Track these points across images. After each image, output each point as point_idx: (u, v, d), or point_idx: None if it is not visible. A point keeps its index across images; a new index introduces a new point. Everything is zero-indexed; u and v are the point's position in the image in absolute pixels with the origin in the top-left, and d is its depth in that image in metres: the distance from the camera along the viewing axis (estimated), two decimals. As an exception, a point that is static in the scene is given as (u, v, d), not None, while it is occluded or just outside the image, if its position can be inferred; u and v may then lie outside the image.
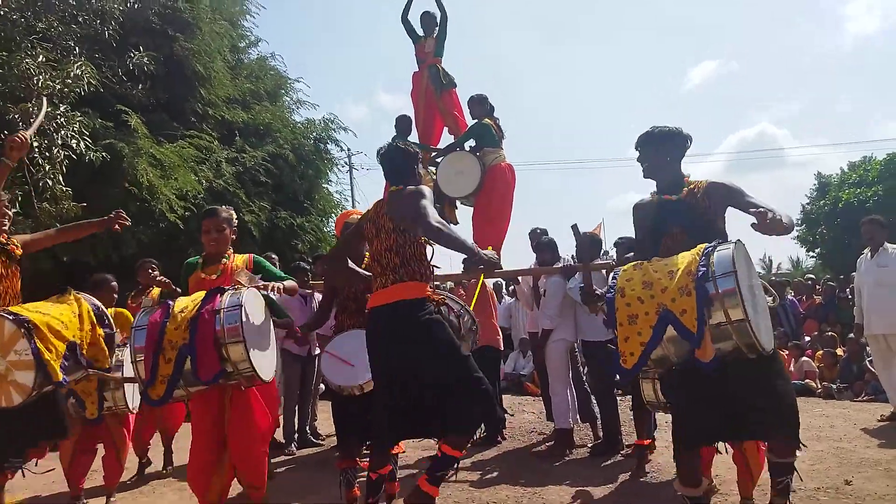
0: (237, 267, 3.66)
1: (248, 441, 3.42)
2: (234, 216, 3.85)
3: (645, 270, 2.74)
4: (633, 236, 5.57)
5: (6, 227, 3.64)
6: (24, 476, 3.76)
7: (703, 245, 2.67)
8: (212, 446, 3.43)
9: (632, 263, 2.86)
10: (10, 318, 3.19)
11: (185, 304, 3.28)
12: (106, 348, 3.69)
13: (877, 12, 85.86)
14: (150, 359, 3.13)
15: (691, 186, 3.05)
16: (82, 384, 4.16)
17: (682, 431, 2.88)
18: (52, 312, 3.39)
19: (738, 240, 2.71)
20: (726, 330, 2.51)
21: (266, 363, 3.36)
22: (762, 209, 2.61)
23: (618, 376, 2.94)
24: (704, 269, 2.54)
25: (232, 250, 3.79)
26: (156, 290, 5.71)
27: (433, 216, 3.03)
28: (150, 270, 5.66)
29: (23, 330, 3.16)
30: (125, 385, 4.31)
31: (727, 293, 2.49)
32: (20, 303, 3.54)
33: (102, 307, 3.81)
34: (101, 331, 3.69)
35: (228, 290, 3.32)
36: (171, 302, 3.32)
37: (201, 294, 3.34)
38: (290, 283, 3.70)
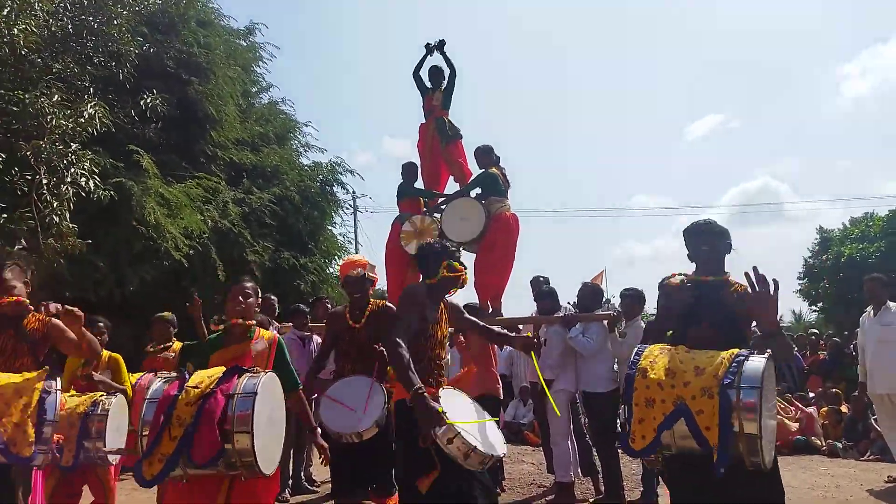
0: (260, 349, 3.61)
1: None
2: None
3: (671, 357, 2.73)
4: (639, 289, 5.70)
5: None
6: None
7: (737, 351, 2.67)
8: None
9: (658, 345, 2.85)
10: None
11: (200, 380, 3.12)
12: (31, 434, 3.14)
13: (870, 76, 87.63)
14: (153, 433, 2.95)
15: (732, 288, 3.03)
16: (64, 430, 4.11)
17: None
18: None
19: (770, 354, 2.71)
20: (735, 441, 2.51)
21: (270, 455, 3.19)
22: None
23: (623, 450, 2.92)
24: (733, 377, 2.54)
25: (256, 324, 3.76)
26: (177, 345, 5.72)
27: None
28: (166, 324, 5.68)
29: None
30: (107, 436, 4.22)
31: (747, 407, 2.49)
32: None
33: (59, 395, 3.37)
34: (31, 413, 3.17)
35: (247, 372, 3.19)
36: (187, 375, 3.19)
37: (219, 371, 3.21)
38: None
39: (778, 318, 2.73)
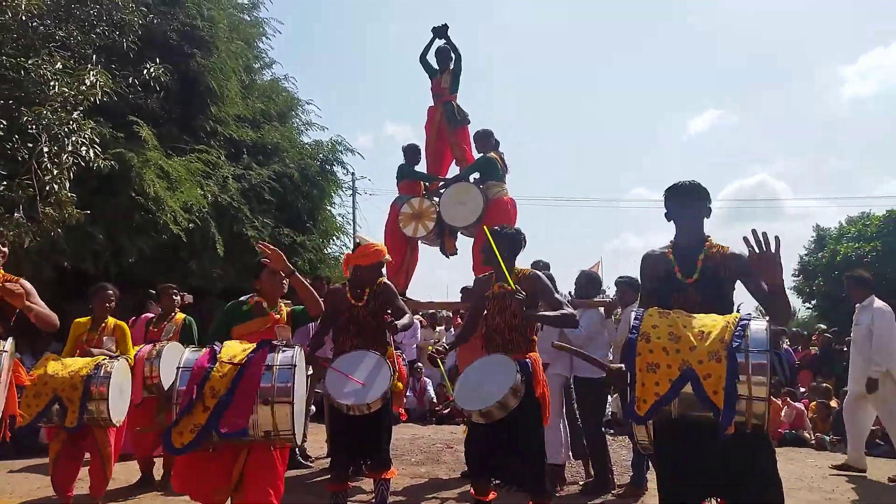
0: (283, 320, 3.74)
1: (264, 488, 3.22)
2: None
3: (673, 322, 2.68)
4: (633, 277, 5.71)
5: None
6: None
7: (738, 315, 2.67)
8: (220, 480, 3.22)
9: (656, 309, 2.80)
10: None
11: (233, 353, 3.17)
12: None
13: (871, 77, 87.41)
14: (185, 403, 2.99)
15: (713, 250, 3.00)
16: (67, 391, 4.18)
17: (666, 489, 2.85)
18: None
19: (768, 320, 2.71)
20: (742, 403, 2.50)
21: (300, 425, 3.28)
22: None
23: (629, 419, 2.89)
24: (740, 340, 2.53)
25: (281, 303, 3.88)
26: (180, 316, 5.78)
27: None
28: (173, 296, 5.77)
29: None
30: (109, 398, 4.30)
31: (757, 369, 2.48)
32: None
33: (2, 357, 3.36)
34: None
35: (280, 345, 3.24)
36: (217, 346, 3.23)
37: (249, 346, 3.24)
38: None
39: (782, 277, 2.69)
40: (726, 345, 2.53)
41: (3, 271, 3.64)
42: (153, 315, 6.08)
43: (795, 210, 62.26)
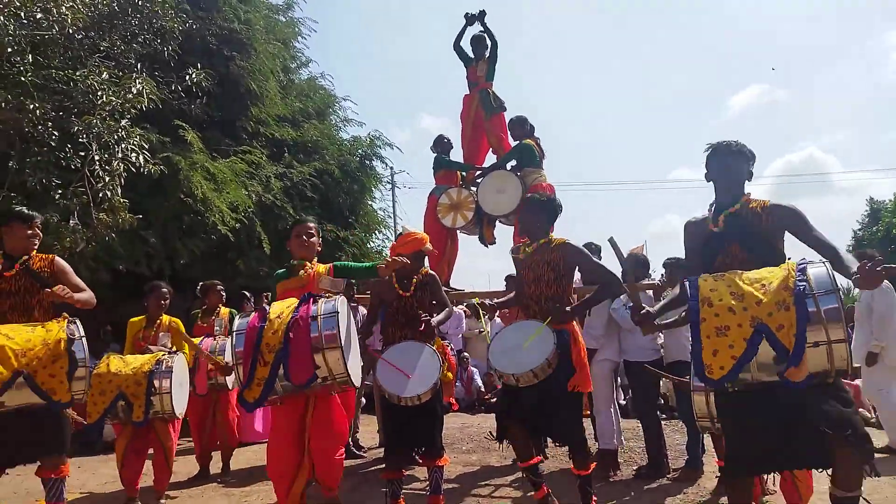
0: (319, 273, 3.92)
1: (329, 444, 3.63)
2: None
3: (731, 281, 2.62)
4: (680, 258, 5.62)
5: (35, 246, 3.79)
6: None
7: (794, 262, 2.59)
8: (294, 449, 3.61)
9: (708, 275, 2.74)
10: None
11: (280, 310, 3.39)
12: (67, 381, 3.38)
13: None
14: (248, 362, 3.23)
15: (753, 205, 2.94)
16: (132, 388, 4.35)
17: (735, 459, 2.79)
18: (16, 338, 3.33)
19: (826, 262, 2.60)
20: (822, 350, 2.42)
21: (356, 369, 3.50)
22: (843, 256, 2.59)
23: (700, 382, 2.84)
24: (804, 284, 2.45)
25: (316, 259, 4.09)
26: (225, 311, 5.94)
27: None
28: (220, 291, 5.95)
29: None
30: (172, 391, 4.47)
31: (830, 311, 2.40)
32: (27, 320, 3.57)
33: (83, 342, 3.53)
34: (64, 364, 3.38)
35: (322, 297, 3.45)
36: (267, 307, 3.46)
37: (294, 301, 3.46)
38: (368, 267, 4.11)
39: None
40: (791, 291, 2.46)
41: (36, 252, 3.79)
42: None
43: (847, 183, 60.18)
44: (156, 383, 4.41)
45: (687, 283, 2.75)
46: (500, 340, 3.91)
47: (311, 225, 4.10)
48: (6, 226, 3.74)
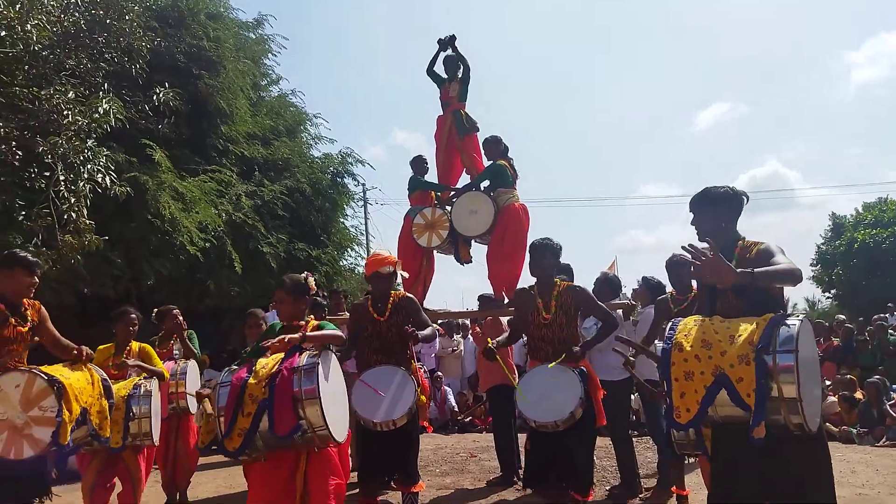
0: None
1: (327, 496, 3.39)
2: (310, 283, 3.84)
3: (705, 329, 2.70)
4: (654, 280, 5.67)
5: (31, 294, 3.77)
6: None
7: (771, 315, 2.63)
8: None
9: (694, 317, 2.82)
10: (44, 377, 3.39)
11: (266, 362, 3.38)
12: (109, 418, 3.83)
13: (879, 62, 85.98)
14: (229, 414, 3.22)
15: (744, 249, 2.94)
16: (114, 413, 4.25)
17: (717, 490, 2.86)
18: (71, 378, 3.53)
19: (805, 316, 2.69)
20: (777, 406, 2.49)
21: (340, 425, 3.42)
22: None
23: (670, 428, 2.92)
24: (768, 341, 2.52)
25: (312, 317, 3.91)
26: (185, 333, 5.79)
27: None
28: (177, 316, 5.73)
29: (54, 389, 3.37)
30: (152, 416, 4.40)
31: (784, 369, 2.47)
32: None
33: (108, 380, 3.96)
34: (105, 402, 3.82)
35: (307, 350, 3.42)
36: (254, 360, 3.44)
37: (281, 355, 3.42)
38: (335, 333, 3.71)
39: (739, 271, 2.60)
40: (754, 346, 2.53)
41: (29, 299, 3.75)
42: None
43: (809, 199, 61.62)
44: (135, 409, 4.31)
45: (669, 324, 2.83)
46: (526, 391, 4.14)
47: (286, 286, 3.79)
48: (7, 269, 3.66)
